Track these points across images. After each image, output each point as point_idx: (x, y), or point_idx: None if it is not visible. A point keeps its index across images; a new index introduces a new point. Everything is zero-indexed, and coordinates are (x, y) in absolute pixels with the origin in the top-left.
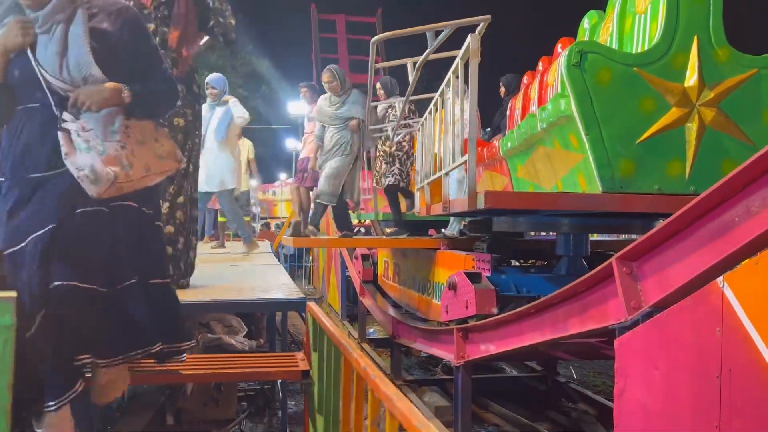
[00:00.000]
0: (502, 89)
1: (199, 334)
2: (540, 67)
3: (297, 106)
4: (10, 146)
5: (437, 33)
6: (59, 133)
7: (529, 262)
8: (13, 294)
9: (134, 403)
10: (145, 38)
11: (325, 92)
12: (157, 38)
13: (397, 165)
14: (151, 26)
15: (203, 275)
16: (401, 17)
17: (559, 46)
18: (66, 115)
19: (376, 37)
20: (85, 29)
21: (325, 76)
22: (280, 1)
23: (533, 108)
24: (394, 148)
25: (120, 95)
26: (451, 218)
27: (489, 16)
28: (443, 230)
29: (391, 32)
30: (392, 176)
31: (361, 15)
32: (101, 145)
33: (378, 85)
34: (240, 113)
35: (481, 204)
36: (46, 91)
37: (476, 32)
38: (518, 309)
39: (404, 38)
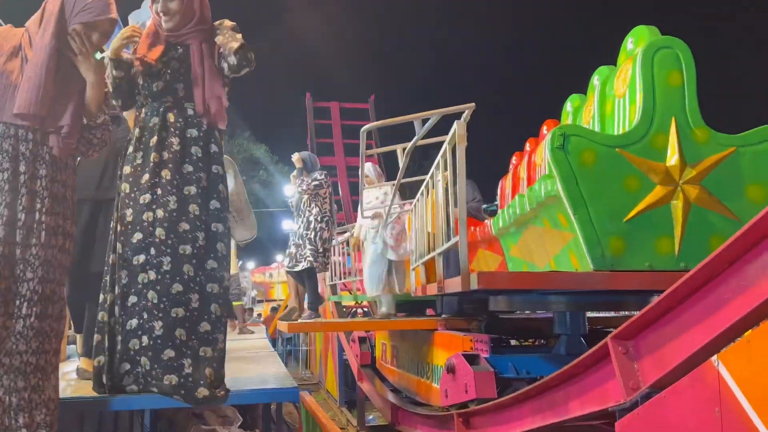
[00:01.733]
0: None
1: (192, 426)
2: (527, 147)
3: (293, 189)
4: None
5: (424, 120)
6: None
7: (528, 341)
8: None
9: None
10: None
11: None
12: (169, 96)
13: (308, 246)
14: (161, 84)
15: None
16: (393, 102)
17: (544, 127)
18: None
19: (365, 127)
20: None
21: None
22: (276, 89)
23: (523, 187)
24: (302, 229)
25: None
26: (381, 297)
27: (473, 105)
28: (381, 309)
29: (380, 122)
30: (305, 260)
31: (354, 102)
32: None
33: (295, 157)
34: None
35: (474, 285)
36: None
37: (462, 119)
38: (518, 392)
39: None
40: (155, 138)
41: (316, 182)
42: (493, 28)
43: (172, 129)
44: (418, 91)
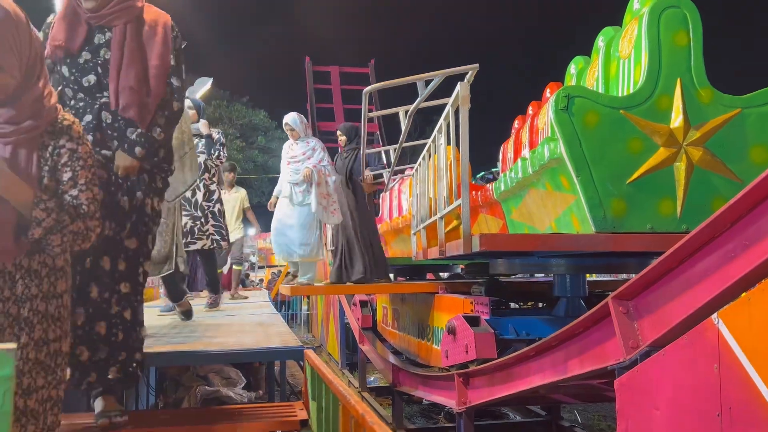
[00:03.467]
0: (343, 138)
1: (197, 387)
2: (530, 111)
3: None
4: None
5: (427, 82)
6: None
7: (528, 304)
8: (13, 345)
9: None
10: None
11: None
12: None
13: (211, 222)
14: (91, 77)
15: (200, 326)
16: (393, 67)
17: (547, 90)
18: None
19: (368, 88)
20: None
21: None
22: (275, 54)
23: (525, 151)
24: (203, 202)
25: None
26: (307, 265)
27: (477, 65)
28: (298, 279)
29: (382, 83)
30: (208, 237)
31: (354, 66)
32: None
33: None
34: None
35: (476, 247)
36: None
37: (465, 80)
38: (518, 352)
39: (398, 86)
40: (91, 138)
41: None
42: None
43: (109, 131)
44: (419, 55)
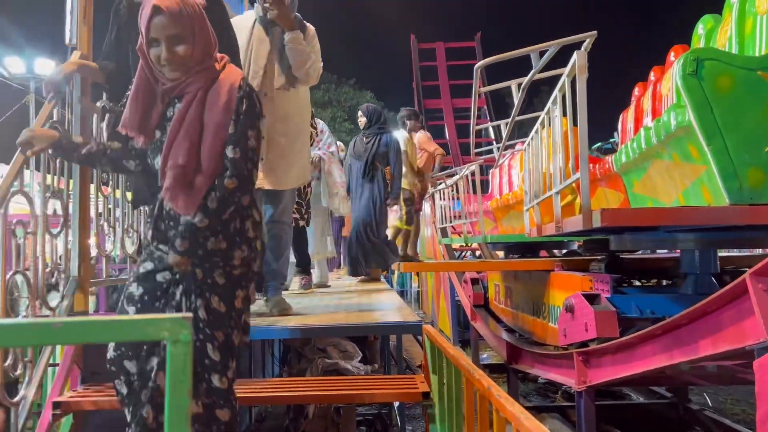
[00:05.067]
0: (363, 120)
1: (318, 359)
2: (652, 77)
3: (399, 135)
4: None
5: (542, 53)
6: None
7: (652, 282)
8: (190, 315)
9: (261, 426)
10: None
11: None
12: None
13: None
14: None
15: (320, 301)
16: (500, 39)
17: (671, 54)
18: None
19: (479, 63)
20: None
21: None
22: (380, 34)
23: (647, 120)
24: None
25: None
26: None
27: (595, 32)
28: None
29: (494, 57)
30: (301, 217)
31: (459, 41)
32: None
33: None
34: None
35: (597, 222)
36: None
37: (582, 48)
38: (643, 331)
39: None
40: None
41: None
42: None
43: (167, 220)
44: (527, 25)
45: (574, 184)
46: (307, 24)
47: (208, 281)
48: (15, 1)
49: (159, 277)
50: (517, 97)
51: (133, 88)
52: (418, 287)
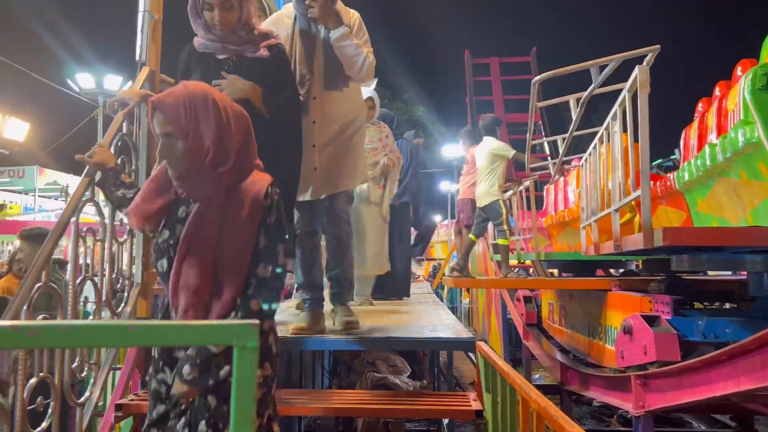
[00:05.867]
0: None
1: (367, 372)
2: (717, 92)
3: (451, 150)
4: None
5: (602, 68)
6: None
7: (715, 304)
8: (257, 322)
9: None
10: None
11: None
12: None
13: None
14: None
15: (371, 314)
16: (555, 55)
17: (738, 69)
18: None
19: (537, 78)
20: None
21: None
22: (435, 49)
23: (712, 137)
24: None
25: None
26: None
27: (658, 47)
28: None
29: (553, 71)
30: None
31: (514, 56)
32: None
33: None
34: None
35: (659, 242)
36: None
37: (644, 63)
38: (707, 355)
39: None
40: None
41: None
42: None
43: None
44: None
45: (633, 202)
46: (351, 11)
47: (222, 409)
48: (86, 20)
49: (172, 414)
50: (575, 112)
51: (152, 173)
52: (469, 303)
